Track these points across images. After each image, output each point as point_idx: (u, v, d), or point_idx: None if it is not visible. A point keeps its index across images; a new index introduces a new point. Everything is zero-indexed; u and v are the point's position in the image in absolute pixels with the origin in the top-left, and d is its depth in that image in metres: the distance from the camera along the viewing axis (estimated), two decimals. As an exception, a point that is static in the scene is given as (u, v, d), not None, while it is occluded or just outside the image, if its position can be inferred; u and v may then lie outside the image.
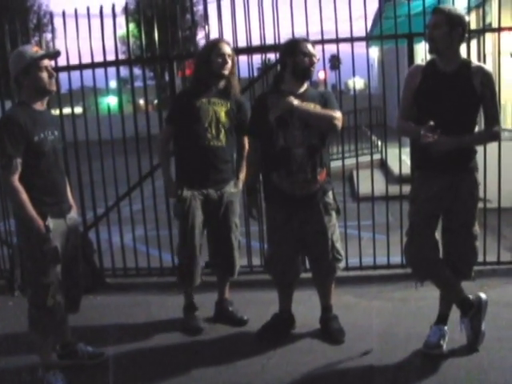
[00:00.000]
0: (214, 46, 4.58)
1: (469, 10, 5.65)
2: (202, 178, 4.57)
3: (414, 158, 4.39)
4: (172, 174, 4.79)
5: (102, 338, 4.67)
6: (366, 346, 4.29)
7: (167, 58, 5.98)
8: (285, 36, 4.76)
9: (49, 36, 14.09)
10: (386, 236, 5.80)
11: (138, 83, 17.55)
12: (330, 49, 5.73)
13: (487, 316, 4.18)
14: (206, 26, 5.99)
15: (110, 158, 5.82)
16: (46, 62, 3.76)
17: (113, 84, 10.16)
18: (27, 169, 3.67)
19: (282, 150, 4.24)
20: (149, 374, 4.14)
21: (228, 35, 5.45)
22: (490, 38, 6.26)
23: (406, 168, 5.73)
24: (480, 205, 4.13)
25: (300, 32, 5.01)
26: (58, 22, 5.89)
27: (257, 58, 5.91)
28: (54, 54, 4.11)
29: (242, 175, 4.76)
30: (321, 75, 9.18)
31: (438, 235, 4.07)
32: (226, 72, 4.54)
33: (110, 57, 5.91)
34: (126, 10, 6.18)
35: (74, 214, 4.08)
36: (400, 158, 5.92)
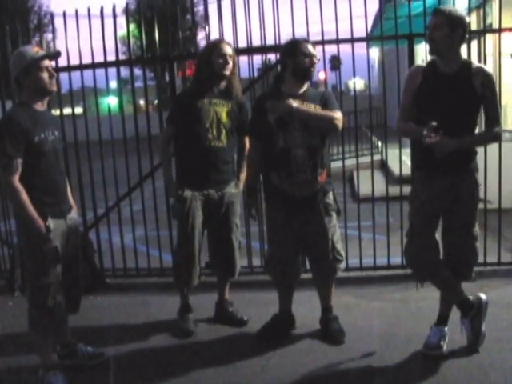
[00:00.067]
0: (214, 46, 4.57)
1: (469, 10, 5.65)
2: (203, 178, 4.56)
3: (414, 159, 4.39)
4: (173, 175, 4.78)
5: (102, 339, 4.67)
6: (366, 347, 4.29)
7: (167, 59, 5.98)
8: (285, 36, 4.76)
9: (49, 36, 14.09)
10: (387, 237, 5.80)
11: (139, 83, 17.57)
12: (331, 49, 5.74)
13: (488, 317, 4.18)
14: (207, 27, 5.98)
15: (110, 159, 5.82)
16: (47, 63, 3.76)
17: (113, 84, 10.16)
18: (27, 169, 3.67)
19: (282, 151, 4.24)
20: (149, 374, 4.14)
21: (228, 35, 5.46)
22: (490, 38, 6.26)
23: (407, 169, 5.72)
24: (480, 205, 4.13)
25: (300, 32, 5.02)
26: (58, 22, 5.92)
27: (257, 59, 5.91)
28: (55, 55, 4.11)
29: (243, 176, 4.75)
30: (321, 76, 9.19)
31: (438, 236, 4.07)
32: (227, 72, 4.53)
33: (111, 57, 5.92)
34: (126, 10, 6.20)
35: (74, 215, 4.08)
36: (400, 159, 5.92)
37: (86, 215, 6.15)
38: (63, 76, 5.99)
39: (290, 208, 4.32)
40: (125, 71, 6.67)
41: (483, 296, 4.20)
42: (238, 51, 5.34)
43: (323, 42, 5.49)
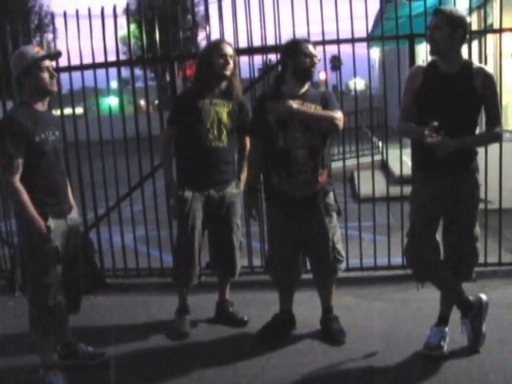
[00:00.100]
0: (215, 46, 4.57)
1: (470, 10, 5.65)
2: (204, 178, 4.56)
3: (415, 159, 4.39)
4: (173, 175, 4.77)
5: (103, 339, 4.68)
6: (366, 347, 4.29)
7: (168, 59, 5.98)
8: (286, 37, 4.76)
9: (50, 36, 14.08)
10: (387, 237, 5.79)
11: (139, 84, 17.60)
12: (331, 49, 5.74)
13: (488, 317, 4.18)
14: (207, 27, 5.98)
15: (110, 159, 5.82)
16: (47, 63, 3.76)
17: (114, 84, 10.16)
18: (28, 169, 3.67)
19: (283, 152, 4.24)
20: (149, 374, 4.14)
21: (229, 36, 5.46)
22: (491, 39, 6.26)
23: (407, 169, 5.72)
24: (481, 206, 4.13)
25: (301, 33, 5.02)
26: (59, 22, 5.91)
27: (258, 59, 5.91)
28: (56, 55, 4.11)
29: (244, 176, 4.75)
30: (322, 76, 9.18)
31: (438, 236, 4.07)
32: (228, 73, 4.53)
33: (111, 57, 5.92)
34: (127, 10, 6.20)
35: (74, 215, 4.08)
36: (401, 159, 5.91)
37: (87, 215, 6.16)
38: (64, 76, 6.00)
39: (290, 208, 4.32)
40: (125, 71, 6.67)
41: (483, 296, 4.20)
42: (239, 51, 5.34)
43: (324, 42, 5.49)
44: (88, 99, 6.22)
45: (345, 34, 5.52)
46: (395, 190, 5.90)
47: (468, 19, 3.90)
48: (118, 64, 6.02)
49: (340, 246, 4.48)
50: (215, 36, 5.56)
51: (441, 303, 4.26)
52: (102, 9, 5.59)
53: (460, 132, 3.79)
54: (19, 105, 3.83)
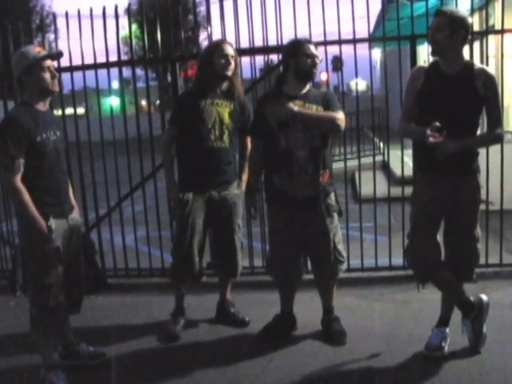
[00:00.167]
0: (216, 47, 4.57)
1: (472, 11, 5.64)
2: (205, 179, 4.55)
3: (416, 160, 4.38)
4: (175, 177, 4.77)
5: (104, 339, 4.68)
6: (367, 348, 4.29)
7: (169, 59, 5.98)
8: (287, 37, 4.76)
9: (51, 36, 14.10)
10: (388, 238, 5.79)
11: (141, 84, 17.61)
12: (333, 50, 5.74)
13: (489, 318, 4.17)
14: (209, 27, 5.98)
15: (112, 159, 5.82)
16: (49, 63, 3.76)
17: (115, 85, 10.17)
18: (29, 169, 3.67)
19: (284, 152, 4.24)
20: (150, 374, 4.14)
21: (230, 36, 5.46)
22: (493, 40, 6.25)
23: (408, 170, 5.71)
24: (482, 207, 4.13)
25: (302, 33, 5.01)
26: (60, 22, 5.91)
27: (259, 59, 5.91)
28: (57, 55, 4.11)
29: (245, 176, 4.75)
30: (323, 76, 9.18)
31: (439, 237, 4.06)
32: (229, 73, 4.53)
33: (113, 57, 5.92)
34: (128, 10, 6.19)
35: (75, 215, 4.08)
36: (402, 160, 5.91)
37: (88, 215, 6.16)
38: (65, 76, 6.00)
39: (291, 209, 4.32)
40: (127, 71, 6.65)
41: (484, 297, 4.20)
42: (240, 52, 5.34)
43: (325, 43, 5.49)
44: (89, 99, 6.22)
45: (346, 34, 5.53)
46: (396, 191, 5.90)
47: (469, 20, 3.90)
48: (119, 64, 6.02)
49: (341, 247, 4.48)
50: (217, 36, 5.55)
51: (442, 304, 4.26)
52: (104, 9, 5.59)
53: (461, 133, 3.79)
54: (20, 105, 3.83)
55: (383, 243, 5.83)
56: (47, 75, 3.72)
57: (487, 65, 5.30)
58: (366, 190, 6.41)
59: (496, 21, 6.87)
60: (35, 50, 3.78)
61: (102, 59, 5.85)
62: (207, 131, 4.51)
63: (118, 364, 4.23)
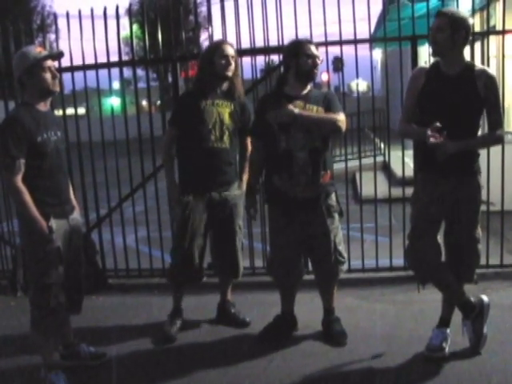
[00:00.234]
0: (217, 47, 4.56)
1: (473, 12, 5.65)
2: (206, 180, 4.55)
3: (417, 161, 4.39)
4: (175, 178, 4.76)
5: (105, 339, 4.68)
6: (368, 349, 4.29)
7: (170, 60, 5.98)
8: (288, 38, 4.76)
9: (52, 37, 14.11)
10: (389, 238, 5.79)
11: (142, 84, 17.61)
12: (334, 51, 5.74)
13: (490, 319, 4.17)
14: (210, 28, 5.98)
15: (112, 159, 5.82)
16: (50, 63, 3.76)
17: (116, 85, 10.17)
18: (30, 169, 3.67)
19: (284, 153, 4.23)
20: (150, 374, 4.14)
21: (231, 37, 5.46)
22: (494, 40, 6.25)
23: (409, 170, 5.72)
24: (483, 207, 4.12)
25: (303, 34, 5.01)
26: (61, 22, 5.91)
27: (260, 60, 5.91)
28: (58, 55, 4.10)
29: (245, 177, 4.74)
30: (324, 77, 9.18)
31: (440, 238, 4.06)
32: (230, 73, 4.53)
33: (114, 58, 5.93)
34: (129, 11, 6.19)
35: (76, 215, 4.08)
36: (403, 161, 5.91)
37: (89, 216, 6.16)
38: (66, 76, 6.01)
39: (292, 210, 4.31)
40: (128, 72, 6.65)
41: (485, 298, 4.19)
42: (241, 52, 5.34)
43: (326, 44, 5.49)
44: (90, 99, 6.22)
45: (347, 35, 5.53)
46: (397, 192, 5.90)
47: (470, 21, 3.90)
48: (120, 64, 6.02)
49: (342, 248, 4.47)
50: (218, 37, 5.55)
51: (442, 305, 4.26)
52: (105, 9, 5.59)
53: (461, 134, 3.79)
54: (21, 105, 3.83)
55: (384, 244, 5.83)
56: (48, 75, 3.72)
57: (488, 65, 5.29)
58: (366, 190, 6.41)
59: (497, 21, 6.87)
60: (36, 50, 3.78)
61: (102, 59, 5.86)
62: (207, 132, 4.50)
63: (119, 364, 4.23)
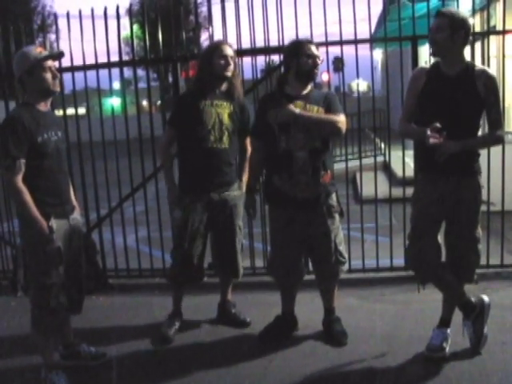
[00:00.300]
0: (216, 47, 4.56)
1: (473, 12, 5.64)
2: (205, 180, 4.54)
3: (417, 161, 4.38)
4: (175, 179, 4.75)
5: (105, 339, 4.68)
6: (368, 349, 4.29)
7: (171, 60, 5.98)
8: (289, 38, 4.76)
9: (53, 37, 14.11)
10: (389, 238, 5.79)
11: (142, 84, 17.61)
12: (334, 51, 5.74)
13: (490, 319, 4.17)
14: (210, 28, 5.98)
15: (113, 159, 5.82)
16: (50, 63, 3.76)
17: (116, 85, 10.17)
18: (30, 169, 3.67)
19: (284, 153, 4.23)
20: (151, 374, 4.14)
21: (232, 37, 5.46)
22: (494, 40, 6.25)
23: (410, 170, 5.72)
24: (483, 208, 4.12)
25: (304, 34, 5.01)
26: (62, 22, 5.91)
27: (261, 60, 5.92)
28: (58, 55, 4.10)
29: (245, 177, 4.74)
30: (324, 77, 9.18)
31: (440, 238, 4.06)
32: (229, 74, 4.52)
33: (114, 58, 5.93)
34: (129, 11, 6.19)
35: (77, 215, 4.08)
36: (403, 161, 5.91)
37: (89, 216, 6.16)
38: (66, 76, 6.01)
39: (292, 210, 4.31)
40: (128, 72, 6.66)
41: (485, 298, 4.20)
42: (242, 52, 5.34)
43: (327, 44, 5.49)
44: (90, 99, 6.22)
45: (347, 35, 5.53)
46: (397, 192, 5.89)
47: (471, 21, 3.90)
48: (120, 64, 6.02)
49: (342, 248, 4.47)
50: (218, 37, 5.55)
51: (443, 305, 4.26)
52: (105, 9, 5.59)
53: (462, 134, 3.79)
54: (22, 105, 3.83)
55: (384, 244, 5.83)
56: (48, 75, 3.73)
57: (488, 66, 5.29)
58: (367, 190, 6.41)
59: (497, 21, 6.87)
60: (36, 50, 3.78)
61: (103, 59, 5.86)
62: (207, 132, 4.49)
63: (119, 364, 4.23)
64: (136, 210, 6.07)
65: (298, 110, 4.16)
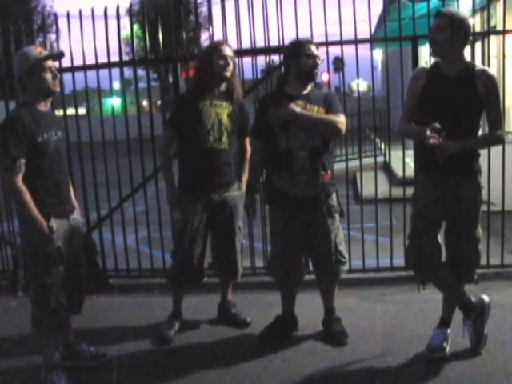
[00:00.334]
0: (215, 48, 4.55)
1: (473, 12, 5.64)
2: (205, 181, 4.54)
3: (417, 161, 4.38)
4: (175, 180, 4.74)
5: (105, 339, 4.68)
6: (368, 349, 4.29)
7: (171, 60, 5.98)
8: (289, 38, 4.76)
9: (53, 37, 14.10)
10: (390, 238, 5.79)
11: (142, 84, 17.60)
12: (334, 51, 5.74)
13: (491, 319, 4.17)
14: (210, 28, 5.98)
15: (113, 159, 5.82)
16: (50, 63, 3.76)
17: (116, 85, 10.17)
18: (30, 169, 3.67)
19: (284, 153, 4.23)
20: (151, 375, 4.14)
21: (232, 37, 5.46)
22: (494, 40, 6.25)
23: (410, 171, 5.72)
24: (484, 208, 4.12)
25: (304, 34, 5.01)
26: (62, 23, 5.91)
27: (261, 60, 5.92)
28: (58, 55, 4.10)
29: (245, 177, 4.74)
30: (324, 77, 9.18)
31: (440, 238, 4.06)
32: (228, 74, 4.52)
33: (114, 58, 5.94)
34: (130, 11, 6.18)
35: (77, 215, 4.08)
36: (404, 161, 5.91)
37: (89, 216, 6.16)
38: (67, 76, 6.01)
39: (292, 209, 4.31)
40: (128, 72, 6.65)
41: (486, 298, 4.19)
42: (242, 52, 5.34)
43: (327, 44, 5.49)
44: (91, 100, 6.22)
45: (348, 35, 5.53)
46: (398, 192, 5.89)
47: (471, 21, 3.89)
48: (120, 64, 6.02)
49: (342, 248, 4.47)
50: (218, 37, 5.55)
51: (443, 305, 4.26)
52: (105, 9, 5.58)
53: (461, 134, 3.79)
54: (22, 105, 3.83)
55: (384, 244, 5.83)
56: (48, 76, 3.72)
57: (488, 66, 5.29)
58: (367, 190, 6.41)
59: (497, 21, 6.87)
60: (36, 50, 3.78)
61: (103, 59, 5.86)
62: (206, 132, 4.49)
63: (119, 364, 4.23)
64: (136, 210, 6.06)
65: (298, 109, 4.16)
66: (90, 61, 5.85)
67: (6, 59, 5.89)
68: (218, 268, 4.90)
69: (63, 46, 5.90)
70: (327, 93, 4.54)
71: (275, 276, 4.61)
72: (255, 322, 4.82)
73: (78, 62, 5.85)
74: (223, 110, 4.56)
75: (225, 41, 4.87)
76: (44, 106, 3.82)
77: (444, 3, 5.52)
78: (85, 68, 5.91)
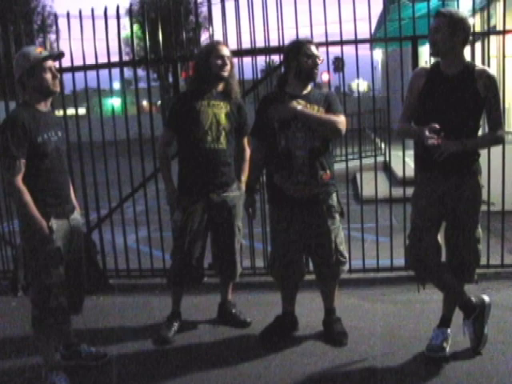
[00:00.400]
0: (212, 48, 4.55)
1: (473, 12, 5.64)
2: (204, 181, 4.54)
3: (417, 161, 4.38)
4: (174, 181, 4.74)
5: (105, 339, 4.68)
6: (369, 349, 4.29)
7: (171, 60, 5.98)
8: (289, 38, 4.76)
9: (53, 37, 14.11)
10: (390, 238, 5.79)
11: (142, 84, 17.63)
12: (334, 51, 5.75)
13: (491, 319, 4.17)
14: (210, 28, 5.98)
15: (113, 159, 5.82)
16: (50, 63, 3.76)
17: (116, 85, 10.17)
18: (30, 170, 3.67)
19: (284, 152, 4.23)
20: (151, 375, 4.13)
21: (232, 37, 5.46)
22: (494, 40, 6.25)
23: (410, 170, 5.72)
24: (484, 208, 4.12)
25: (304, 34, 5.01)
26: (62, 23, 5.91)
27: (261, 60, 5.92)
28: (58, 55, 4.10)
29: (244, 177, 4.74)
30: (324, 77, 9.18)
31: (440, 238, 4.06)
32: (226, 74, 4.52)
33: (114, 58, 5.93)
34: (130, 11, 6.19)
35: (77, 215, 4.08)
36: (404, 161, 5.91)
37: (89, 216, 6.16)
38: (67, 77, 6.01)
39: (293, 209, 4.31)
40: (128, 72, 6.66)
41: (486, 298, 4.19)
42: (242, 52, 5.33)
43: (327, 44, 5.49)
44: (91, 100, 6.23)
45: (348, 35, 5.54)
46: (398, 192, 5.90)
47: (470, 21, 3.89)
48: (120, 64, 6.03)
49: (343, 248, 4.47)
50: (218, 37, 5.56)
51: (443, 305, 4.26)
52: (105, 9, 5.59)
53: (461, 134, 3.79)
54: (22, 105, 3.83)
55: (384, 244, 5.83)
56: (48, 76, 3.72)
57: (488, 66, 5.29)
58: (367, 190, 6.41)
59: (497, 22, 6.87)
60: (36, 50, 3.78)
61: (103, 59, 5.87)
62: (204, 133, 4.49)
63: (119, 364, 4.23)
64: (136, 210, 6.06)
65: (299, 107, 4.16)
66: (90, 61, 5.86)
67: (6, 59, 5.89)
68: (218, 268, 4.90)
69: (63, 46, 5.91)
70: (327, 93, 4.54)
71: (275, 276, 4.61)
72: (255, 322, 4.82)
73: (78, 62, 5.87)
74: (221, 110, 4.56)
75: (222, 41, 4.87)
76: (44, 106, 3.82)
77: (444, 3, 5.53)
78: (85, 68, 5.91)
